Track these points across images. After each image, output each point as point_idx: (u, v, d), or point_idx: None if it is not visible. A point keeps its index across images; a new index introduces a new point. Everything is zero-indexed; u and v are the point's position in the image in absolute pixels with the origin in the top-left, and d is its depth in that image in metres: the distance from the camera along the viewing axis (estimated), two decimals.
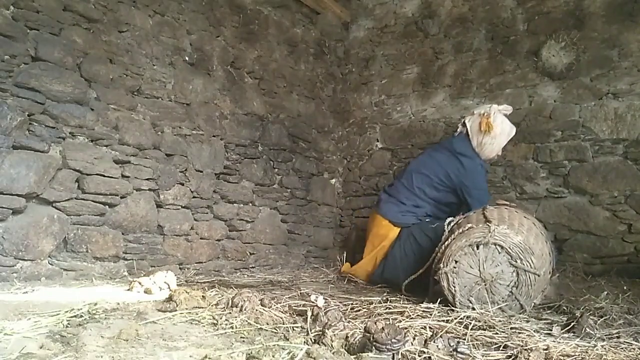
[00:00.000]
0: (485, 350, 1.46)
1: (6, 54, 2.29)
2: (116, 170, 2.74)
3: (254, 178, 3.66)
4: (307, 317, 1.66)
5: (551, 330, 1.74)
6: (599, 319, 1.90)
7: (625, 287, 2.61)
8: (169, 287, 2.23)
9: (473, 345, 1.49)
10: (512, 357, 1.37)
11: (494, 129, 2.89)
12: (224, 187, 3.43)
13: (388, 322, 1.44)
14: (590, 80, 3.43)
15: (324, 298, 2.01)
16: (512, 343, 1.52)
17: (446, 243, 2.24)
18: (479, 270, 2.11)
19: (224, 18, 3.50)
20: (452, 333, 1.64)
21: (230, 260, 3.47)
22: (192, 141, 3.21)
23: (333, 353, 1.29)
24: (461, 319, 1.81)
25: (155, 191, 2.98)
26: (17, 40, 2.34)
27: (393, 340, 1.29)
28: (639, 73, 3.28)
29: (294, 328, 1.62)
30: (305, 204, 4.15)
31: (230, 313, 1.73)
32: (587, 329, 1.68)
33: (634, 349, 1.51)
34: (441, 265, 2.15)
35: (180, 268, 3.11)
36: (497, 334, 1.66)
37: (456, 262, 2.13)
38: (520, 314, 2.06)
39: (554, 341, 1.56)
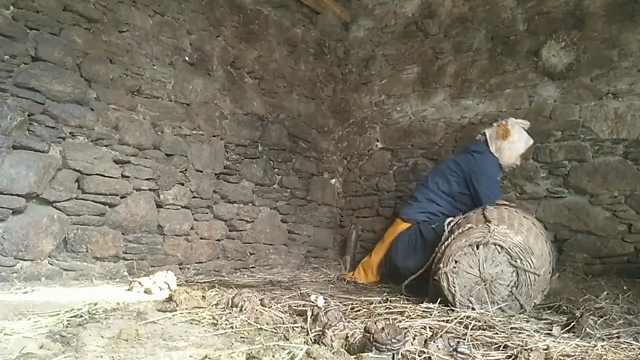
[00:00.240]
0: (485, 350, 1.46)
1: (6, 54, 2.29)
2: (116, 170, 2.74)
3: (254, 178, 3.66)
4: (307, 317, 1.66)
5: (551, 330, 1.74)
6: (599, 319, 1.90)
7: (625, 287, 2.61)
8: (169, 287, 2.23)
9: (473, 345, 1.49)
10: (512, 357, 1.37)
11: (512, 135, 2.98)
12: (224, 187, 3.43)
13: (388, 322, 1.43)
14: (590, 80, 3.43)
15: (324, 298, 2.01)
16: (512, 343, 1.52)
17: (446, 243, 2.24)
18: (479, 270, 2.11)
19: (224, 18, 3.50)
20: (452, 333, 1.64)
21: (230, 260, 3.47)
22: (192, 141, 3.21)
23: (333, 353, 1.29)
24: (461, 319, 1.81)
25: (155, 191, 2.98)
26: (17, 40, 2.34)
27: (393, 340, 1.29)
28: (639, 73, 3.28)
29: (294, 328, 1.62)
30: (305, 204, 4.15)
31: (230, 313, 1.73)
32: (587, 329, 1.68)
33: (634, 349, 1.51)
34: (441, 265, 2.15)
35: (180, 268, 3.11)
36: (497, 334, 1.65)
37: (456, 262, 2.13)
38: (520, 314, 2.06)
39: (554, 341, 1.56)
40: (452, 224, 2.42)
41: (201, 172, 3.26)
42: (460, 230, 2.23)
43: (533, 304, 2.12)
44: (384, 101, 4.40)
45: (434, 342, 1.39)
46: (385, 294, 2.50)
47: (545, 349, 1.44)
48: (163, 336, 1.44)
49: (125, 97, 2.83)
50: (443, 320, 1.81)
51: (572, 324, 1.73)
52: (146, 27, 2.98)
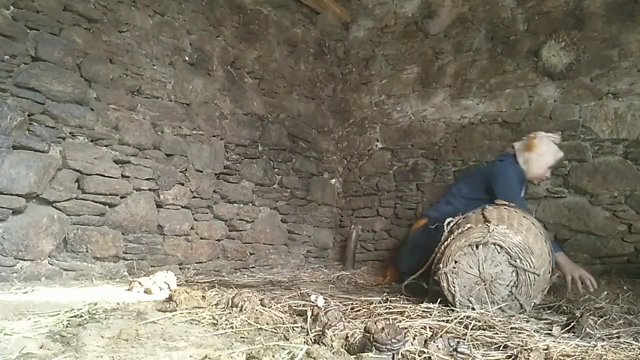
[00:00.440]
0: (485, 350, 1.46)
1: (6, 54, 2.29)
2: (116, 170, 2.74)
3: (254, 178, 3.66)
4: (307, 317, 1.66)
5: (551, 330, 1.74)
6: (599, 319, 1.90)
7: (625, 287, 2.61)
8: (169, 287, 2.23)
9: (473, 345, 1.49)
10: (512, 357, 1.37)
11: (540, 147, 2.99)
12: (224, 187, 3.43)
13: (388, 322, 1.43)
14: (590, 80, 3.43)
15: (324, 298, 2.00)
16: (512, 343, 1.52)
17: (446, 243, 2.24)
18: (479, 270, 2.11)
19: (224, 18, 3.50)
20: (452, 333, 1.64)
21: (230, 260, 3.47)
22: (192, 141, 3.21)
23: (333, 353, 1.29)
24: (461, 319, 1.81)
25: (155, 191, 2.98)
26: (17, 40, 2.35)
27: (393, 340, 1.29)
28: (639, 73, 3.28)
29: (294, 328, 1.62)
30: (305, 204, 4.15)
31: (230, 313, 1.73)
32: (587, 329, 1.68)
33: (634, 349, 1.51)
34: (441, 265, 2.15)
35: (180, 268, 3.11)
36: (497, 334, 1.65)
37: (456, 262, 2.13)
38: (520, 314, 2.05)
39: (554, 341, 1.56)
40: (452, 224, 2.42)
41: (201, 172, 3.26)
42: (460, 230, 2.23)
43: (533, 304, 2.12)
44: (384, 101, 4.40)
45: (434, 342, 1.39)
46: (385, 294, 2.50)
47: (545, 349, 1.44)
48: (163, 336, 1.44)
49: (125, 97, 2.83)
50: (443, 320, 1.81)
51: (572, 324, 1.73)
52: (146, 27, 2.98)
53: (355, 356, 1.30)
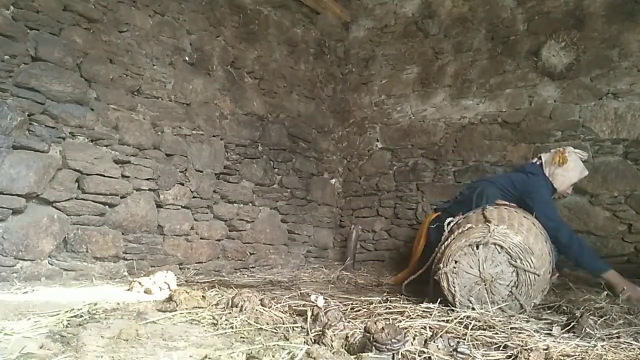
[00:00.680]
0: (485, 350, 1.46)
1: (6, 54, 2.29)
2: (116, 170, 2.74)
3: (254, 178, 3.66)
4: (307, 317, 1.66)
5: (551, 330, 1.74)
6: (599, 319, 1.90)
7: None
8: (169, 287, 2.23)
9: (473, 345, 1.49)
10: (512, 357, 1.37)
11: (568, 163, 2.94)
12: (224, 187, 3.43)
13: (388, 322, 1.43)
14: (590, 80, 3.43)
15: (324, 298, 2.00)
16: (512, 343, 1.52)
17: (446, 243, 2.24)
18: (479, 270, 2.11)
19: (224, 18, 3.50)
20: (452, 333, 1.64)
21: (230, 260, 3.47)
22: (192, 141, 3.21)
23: (333, 353, 1.29)
24: (461, 319, 1.81)
25: (155, 191, 2.98)
26: (17, 40, 2.35)
27: (393, 340, 1.28)
28: (639, 73, 3.28)
29: (294, 328, 1.62)
30: (305, 204, 4.15)
31: (230, 313, 1.73)
32: (587, 329, 1.68)
33: (634, 349, 1.51)
34: (441, 265, 2.15)
35: (180, 268, 3.11)
36: (497, 334, 1.65)
37: (456, 262, 2.13)
38: (520, 314, 2.05)
39: (554, 341, 1.56)
40: (452, 224, 2.42)
41: (201, 172, 3.26)
42: (460, 230, 2.23)
43: (533, 304, 2.12)
44: (384, 101, 4.40)
45: (434, 342, 1.39)
46: (385, 294, 2.50)
47: (545, 349, 1.44)
48: (163, 336, 1.44)
49: (125, 97, 2.83)
50: (443, 320, 1.81)
51: (572, 324, 1.73)
52: (146, 27, 2.98)
53: (355, 356, 1.30)
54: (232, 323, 1.60)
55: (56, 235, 2.49)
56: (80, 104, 2.60)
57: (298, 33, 4.18)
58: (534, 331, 1.71)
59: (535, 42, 3.65)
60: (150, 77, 2.97)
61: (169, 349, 1.32)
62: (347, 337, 1.41)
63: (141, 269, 2.85)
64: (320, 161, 4.36)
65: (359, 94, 4.55)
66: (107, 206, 2.72)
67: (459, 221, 2.41)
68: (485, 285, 2.10)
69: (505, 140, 3.73)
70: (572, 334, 1.68)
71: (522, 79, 3.70)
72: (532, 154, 3.56)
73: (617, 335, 1.69)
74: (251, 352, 1.27)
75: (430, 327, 1.68)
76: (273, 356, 1.26)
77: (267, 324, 1.63)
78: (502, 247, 2.08)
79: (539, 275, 2.07)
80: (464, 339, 1.53)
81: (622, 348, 1.52)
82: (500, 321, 1.83)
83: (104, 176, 2.67)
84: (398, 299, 2.32)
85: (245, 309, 1.75)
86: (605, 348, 1.49)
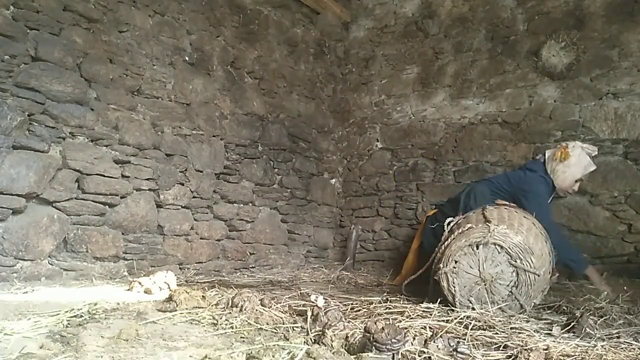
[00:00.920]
0: (485, 350, 1.46)
1: (6, 54, 2.29)
2: (116, 170, 2.74)
3: (254, 178, 3.66)
4: (307, 317, 1.66)
5: (551, 330, 1.74)
6: (599, 319, 1.90)
7: (625, 287, 2.61)
8: (169, 287, 2.23)
9: (473, 345, 1.49)
10: (512, 357, 1.37)
11: (570, 159, 2.88)
12: (224, 187, 3.43)
13: (388, 322, 1.43)
14: (590, 80, 3.43)
15: (324, 298, 2.00)
16: (512, 343, 1.52)
17: (446, 243, 2.24)
18: (479, 270, 2.11)
19: (224, 18, 3.50)
20: (452, 333, 1.64)
21: (230, 260, 3.47)
22: (192, 141, 3.21)
23: (333, 353, 1.29)
24: (461, 319, 1.81)
25: (155, 191, 2.98)
26: (17, 40, 2.35)
27: (393, 340, 1.28)
28: (639, 73, 3.28)
29: (294, 328, 1.62)
30: (305, 204, 4.15)
31: (230, 313, 1.73)
32: (587, 329, 1.68)
33: (634, 349, 1.51)
34: (441, 265, 2.15)
35: (180, 268, 3.11)
36: (497, 334, 1.65)
37: (456, 262, 2.13)
38: (520, 314, 2.05)
39: (554, 341, 1.56)
40: (452, 224, 2.42)
41: (201, 172, 3.26)
42: (460, 230, 2.23)
43: (533, 304, 2.12)
44: (384, 101, 4.40)
45: (434, 342, 1.39)
46: (385, 294, 2.50)
47: (545, 349, 1.44)
48: (163, 336, 1.44)
49: (125, 97, 2.83)
50: (443, 320, 1.81)
51: (572, 324, 1.73)
52: (146, 27, 2.98)
53: (355, 356, 1.30)
54: (232, 323, 1.60)
55: (56, 235, 2.49)
56: (80, 104, 2.60)
57: (298, 33, 4.18)
58: (534, 331, 1.71)
59: (535, 42, 3.65)
60: (150, 77, 2.97)
61: (169, 349, 1.32)
62: (347, 337, 1.41)
63: (141, 269, 2.85)
64: (320, 161, 4.36)
65: (359, 94, 4.55)
66: (107, 206, 2.72)
67: (459, 221, 2.41)
68: (485, 285, 2.10)
69: (505, 140, 3.73)
70: (572, 334, 1.69)
71: (522, 79, 3.70)
72: (532, 154, 3.56)
73: (617, 335, 1.69)
74: (251, 352, 1.27)
75: (430, 327, 1.68)
76: (273, 356, 1.26)
77: (267, 324, 1.63)
78: (502, 247, 2.08)
79: (539, 275, 2.07)
80: (464, 339, 1.53)
81: (622, 348, 1.52)
82: (500, 321, 1.83)
83: (104, 176, 2.67)
84: (398, 299, 2.32)
85: (245, 309, 1.75)
86: (605, 348, 1.50)
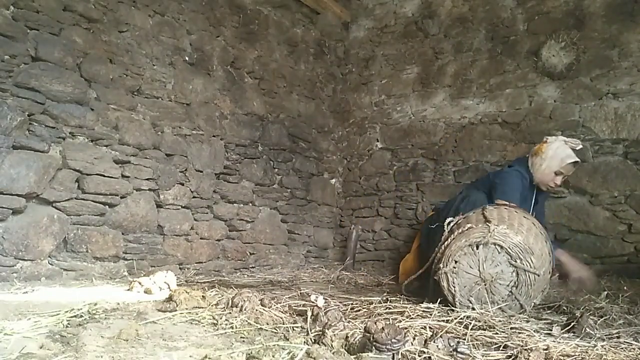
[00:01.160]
0: (485, 350, 1.46)
1: (6, 54, 2.29)
2: (116, 170, 2.74)
3: (254, 178, 3.66)
4: (307, 317, 1.66)
5: (551, 330, 1.74)
6: (599, 319, 1.90)
7: (625, 287, 2.61)
8: (169, 287, 2.23)
9: (473, 345, 1.49)
10: (512, 357, 1.37)
11: (545, 151, 2.88)
12: (224, 187, 3.43)
13: (388, 322, 1.43)
14: (590, 80, 3.43)
15: (324, 298, 2.00)
16: (512, 343, 1.52)
17: (446, 243, 2.24)
18: (479, 270, 2.11)
19: (224, 18, 3.50)
20: (452, 333, 1.64)
21: (230, 260, 3.47)
22: (192, 141, 3.21)
23: (333, 353, 1.29)
24: (461, 319, 1.81)
25: (155, 191, 2.98)
26: (17, 40, 2.35)
27: (393, 340, 1.28)
28: (639, 73, 3.28)
29: (294, 328, 1.62)
30: (305, 204, 4.15)
31: (230, 313, 1.73)
32: (587, 329, 1.68)
33: (634, 349, 1.51)
34: (441, 265, 2.15)
35: (180, 268, 3.11)
36: (497, 334, 1.65)
37: (456, 262, 2.13)
38: (520, 314, 2.05)
39: (554, 341, 1.56)
40: (452, 224, 2.42)
41: (201, 172, 3.26)
42: (460, 230, 2.23)
43: (533, 304, 2.12)
44: (384, 101, 4.40)
45: (434, 342, 1.39)
46: (385, 294, 2.50)
47: (545, 349, 1.44)
48: (163, 336, 1.44)
49: (125, 97, 2.83)
50: (443, 320, 1.81)
51: (572, 324, 1.73)
52: (146, 27, 2.98)
53: (355, 356, 1.30)
54: (232, 323, 1.60)
55: (56, 235, 2.49)
56: (80, 104, 2.60)
57: (298, 33, 4.18)
58: (534, 331, 1.71)
59: (535, 42, 3.65)
60: (150, 77, 2.97)
61: (169, 349, 1.32)
62: (347, 337, 1.41)
63: (141, 269, 2.85)
64: (320, 161, 4.36)
65: (359, 94, 4.55)
66: (107, 206, 2.72)
67: (459, 221, 2.41)
68: (485, 285, 2.10)
69: (505, 140, 3.73)
70: (572, 334, 1.68)
71: (522, 79, 3.70)
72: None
73: (617, 335, 1.69)
74: (251, 352, 1.27)
75: (430, 327, 1.68)
76: (273, 356, 1.26)
77: (267, 324, 1.63)
78: (502, 247, 2.08)
79: (539, 275, 2.07)
80: (464, 339, 1.53)
81: (622, 348, 1.52)
82: (500, 321, 1.83)
83: (104, 176, 2.67)
84: (398, 299, 2.32)
85: (245, 309, 1.75)
86: (605, 348, 1.49)
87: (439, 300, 2.14)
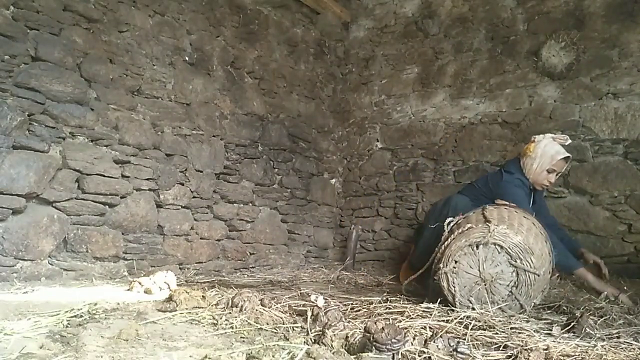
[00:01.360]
0: (485, 350, 1.46)
1: (6, 54, 2.29)
2: (116, 170, 2.74)
3: (254, 178, 3.66)
4: (307, 317, 1.66)
5: (551, 330, 1.74)
6: (599, 319, 1.90)
7: (625, 287, 2.61)
8: (169, 287, 2.23)
9: (473, 345, 1.49)
10: (512, 357, 1.37)
11: (535, 150, 2.86)
12: (224, 187, 3.43)
13: (388, 322, 1.43)
14: (590, 80, 3.43)
15: (324, 298, 2.00)
16: (512, 343, 1.52)
17: (446, 243, 2.24)
18: (479, 270, 2.11)
19: (224, 18, 3.50)
20: (452, 333, 1.64)
21: (230, 260, 3.47)
22: (192, 141, 3.21)
23: (333, 353, 1.29)
24: (461, 319, 1.81)
25: (155, 191, 2.98)
26: (17, 40, 2.35)
27: (393, 340, 1.28)
28: (639, 73, 3.28)
29: (294, 328, 1.62)
30: (305, 204, 4.15)
31: (230, 313, 1.73)
32: (587, 329, 1.68)
33: (634, 349, 1.51)
34: (441, 265, 2.15)
35: (180, 268, 3.11)
36: (497, 334, 1.65)
37: (456, 262, 2.13)
38: (520, 314, 2.05)
39: (554, 341, 1.56)
40: (452, 224, 2.42)
41: (201, 172, 3.26)
42: (460, 230, 2.23)
43: (533, 304, 2.11)
44: (384, 101, 4.40)
45: (434, 342, 1.39)
46: (385, 294, 2.50)
47: (545, 349, 1.44)
48: (163, 336, 1.44)
49: (125, 97, 2.83)
50: (443, 320, 1.81)
51: (572, 324, 1.73)
52: (146, 27, 2.98)
53: (355, 356, 1.30)
54: (232, 323, 1.60)
55: (56, 235, 2.49)
56: (80, 104, 2.60)
57: (298, 33, 4.18)
58: (534, 331, 1.71)
59: (535, 42, 3.65)
60: (150, 77, 2.97)
61: (169, 349, 1.32)
62: (347, 337, 1.41)
63: (141, 269, 2.85)
64: (320, 161, 4.36)
65: (359, 94, 4.55)
66: (107, 206, 2.72)
67: (459, 221, 2.40)
68: (485, 285, 2.10)
69: (505, 140, 3.73)
70: (572, 334, 1.68)
71: (522, 79, 3.70)
72: None
73: (617, 335, 1.69)
74: (251, 352, 1.27)
75: (430, 327, 1.68)
76: (273, 356, 1.26)
77: (267, 324, 1.63)
78: (502, 247, 2.08)
79: (539, 275, 2.07)
80: (464, 339, 1.53)
81: (622, 348, 1.52)
82: (500, 321, 1.83)
83: (104, 176, 2.67)
84: (398, 299, 2.32)
85: (245, 309, 1.75)
86: (605, 348, 1.49)
87: (439, 300, 2.14)
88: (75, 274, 2.56)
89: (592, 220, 3.33)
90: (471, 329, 1.68)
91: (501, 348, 1.49)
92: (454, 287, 2.11)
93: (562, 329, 1.74)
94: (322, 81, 4.44)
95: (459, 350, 1.35)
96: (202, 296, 1.88)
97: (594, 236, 3.32)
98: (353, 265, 3.91)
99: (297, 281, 3.07)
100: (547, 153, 2.85)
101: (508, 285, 2.09)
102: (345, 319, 1.65)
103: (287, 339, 1.45)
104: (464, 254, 2.13)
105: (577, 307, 2.17)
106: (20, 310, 1.66)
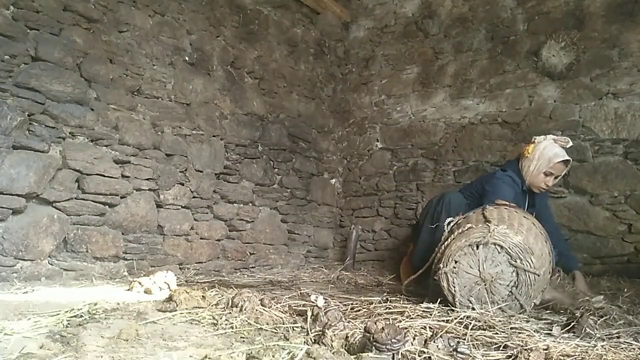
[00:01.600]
0: (485, 350, 1.46)
1: (6, 54, 2.29)
2: (116, 170, 2.74)
3: (254, 178, 3.66)
4: (307, 317, 1.66)
5: (551, 330, 1.74)
6: (599, 319, 1.90)
7: (625, 288, 2.61)
8: (169, 287, 2.23)
9: (473, 345, 1.49)
10: (512, 357, 1.37)
11: (533, 153, 2.81)
12: (224, 187, 3.43)
13: (388, 322, 1.43)
14: (590, 80, 3.43)
15: (324, 298, 2.00)
16: (512, 343, 1.52)
17: (446, 243, 2.24)
18: (479, 270, 2.10)
19: (224, 18, 3.50)
20: (452, 333, 1.64)
21: (230, 260, 3.47)
22: (192, 141, 3.21)
23: (333, 353, 1.29)
24: (461, 319, 1.81)
25: (155, 191, 2.98)
26: (17, 40, 2.35)
27: (393, 340, 1.28)
28: (639, 73, 3.28)
29: (294, 328, 1.62)
30: (305, 204, 4.15)
31: (230, 313, 1.73)
32: (587, 329, 1.68)
33: (634, 349, 1.51)
34: (441, 265, 2.15)
35: (180, 268, 3.11)
36: (497, 334, 1.65)
37: (456, 262, 2.13)
38: (520, 314, 2.05)
39: (554, 341, 1.56)
40: (452, 224, 2.42)
41: (201, 172, 3.26)
42: (460, 230, 2.22)
43: (533, 304, 2.11)
44: (384, 101, 4.40)
45: (434, 342, 1.39)
46: (385, 294, 2.50)
47: (545, 349, 1.43)
48: (163, 336, 1.44)
49: (125, 97, 2.83)
50: (443, 320, 1.81)
51: (572, 324, 1.73)
52: (146, 27, 2.98)
53: (355, 356, 1.30)
54: (232, 323, 1.60)
55: (56, 235, 2.49)
56: (80, 104, 2.60)
57: (298, 33, 4.18)
58: (534, 331, 1.71)
59: (535, 42, 3.65)
60: (150, 77, 2.97)
61: (169, 349, 1.32)
62: (347, 337, 1.41)
63: (141, 269, 2.85)
64: (320, 161, 4.36)
65: (359, 94, 4.55)
66: (107, 206, 2.72)
67: (459, 221, 2.40)
68: (485, 285, 2.10)
69: (505, 140, 3.73)
70: (572, 334, 1.68)
71: (522, 79, 3.70)
72: None
73: (617, 335, 1.69)
74: (251, 352, 1.27)
75: (430, 327, 1.68)
76: (273, 356, 1.26)
77: (267, 324, 1.63)
78: (502, 247, 2.08)
79: (539, 275, 2.07)
80: (464, 339, 1.52)
81: (622, 348, 1.52)
82: (500, 321, 1.83)
83: (104, 176, 2.67)
84: (398, 299, 2.32)
85: (245, 309, 1.75)
86: (605, 348, 1.49)
87: (439, 300, 2.14)
88: (75, 274, 2.56)
89: (592, 220, 3.33)
90: (471, 329, 1.68)
91: (501, 348, 1.49)
92: (454, 287, 2.11)
93: (562, 329, 1.74)
94: (322, 81, 4.44)
95: (459, 350, 1.35)
96: (202, 296, 1.88)
97: (594, 236, 3.32)
98: (353, 265, 3.91)
99: (297, 281, 3.07)
100: (544, 155, 2.79)
101: (508, 285, 2.09)
102: (345, 319, 1.64)
103: (287, 339, 1.45)
104: (464, 254, 2.13)
105: (577, 307, 2.17)
106: (20, 310, 1.66)
